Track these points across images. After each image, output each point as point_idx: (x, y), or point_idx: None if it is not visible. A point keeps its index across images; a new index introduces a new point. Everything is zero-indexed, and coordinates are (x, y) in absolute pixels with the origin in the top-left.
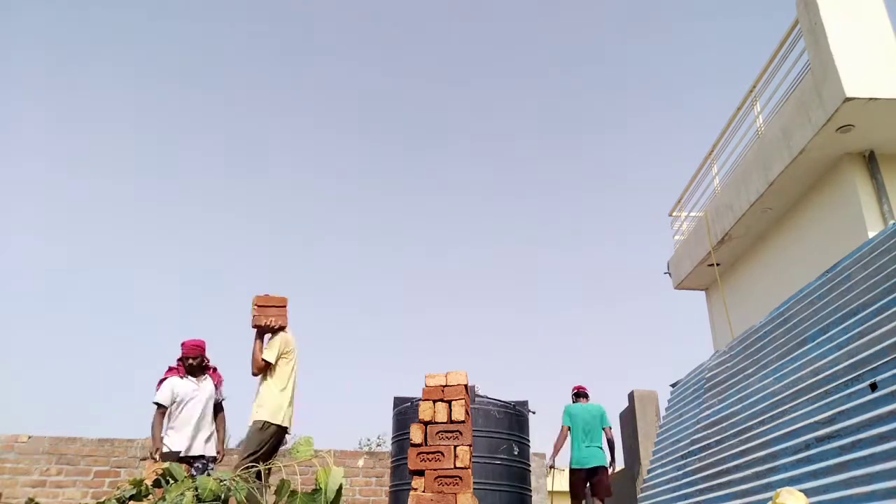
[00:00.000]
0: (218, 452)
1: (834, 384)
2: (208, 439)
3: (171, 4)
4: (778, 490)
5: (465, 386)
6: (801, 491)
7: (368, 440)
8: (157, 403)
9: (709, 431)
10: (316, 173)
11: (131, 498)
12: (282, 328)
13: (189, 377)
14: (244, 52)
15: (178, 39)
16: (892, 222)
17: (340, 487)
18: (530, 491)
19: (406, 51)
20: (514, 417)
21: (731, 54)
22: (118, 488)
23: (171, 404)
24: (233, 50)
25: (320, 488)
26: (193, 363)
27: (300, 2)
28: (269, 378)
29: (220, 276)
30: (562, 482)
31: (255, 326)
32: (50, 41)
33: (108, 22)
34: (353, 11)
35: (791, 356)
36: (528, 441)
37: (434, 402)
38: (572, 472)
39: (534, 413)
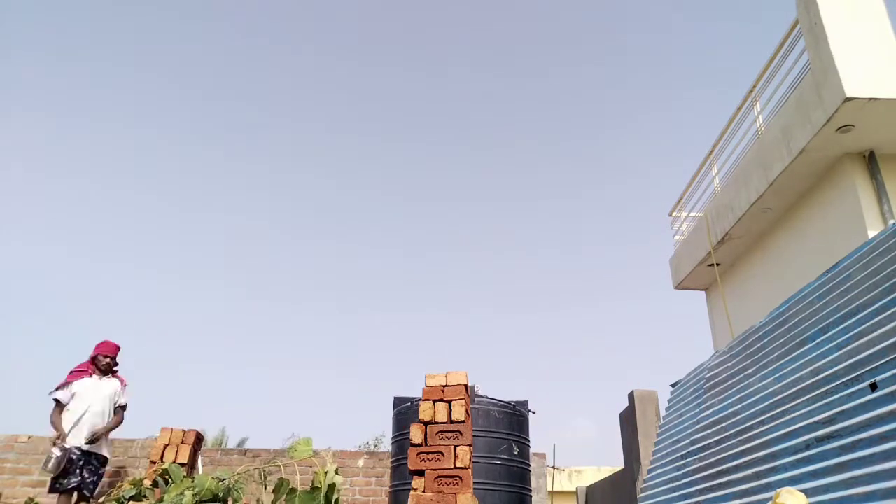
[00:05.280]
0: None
1: (834, 384)
2: (106, 440)
3: (179, 5)
4: (778, 490)
5: (465, 386)
6: (801, 491)
7: (368, 443)
8: (55, 400)
9: (709, 431)
10: (317, 173)
11: (131, 498)
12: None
13: (94, 375)
14: (253, 52)
15: (189, 41)
16: (892, 222)
17: (333, 485)
18: (530, 491)
19: (407, 49)
20: (514, 417)
21: (731, 54)
22: (118, 488)
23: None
24: (237, 50)
25: (318, 487)
26: (106, 362)
27: (307, 3)
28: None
29: (218, 275)
30: (562, 482)
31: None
32: (49, 42)
33: (106, 21)
34: (353, 11)
35: (791, 356)
36: (528, 441)
37: (434, 402)
38: None
39: (534, 413)
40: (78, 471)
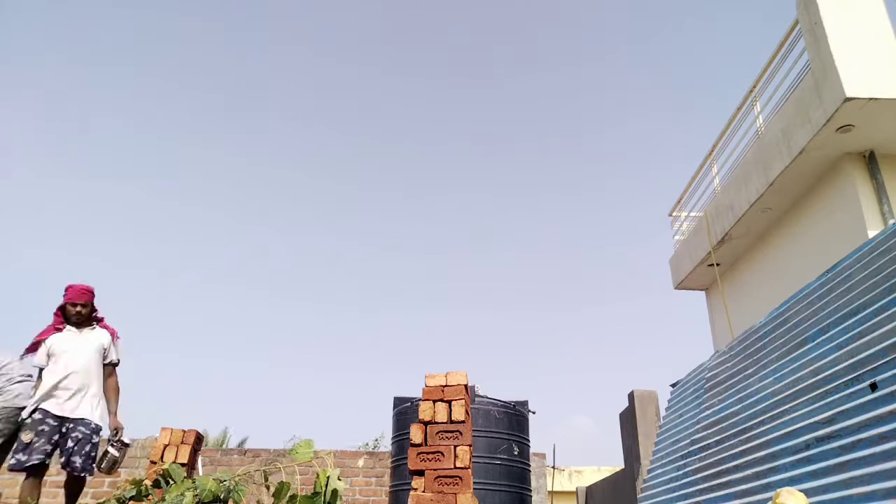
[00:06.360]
0: (115, 429)
1: (834, 384)
2: (96, 403)
3: (179, 6)
4: (778, 490)
5: (465, 386)
6: (801, 491)
7: (367, 444)
8: (38, 367)
9: (709, 431)
10: (314, 172)
11: (131, 498)
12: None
13: (70, 328)
14: (246, 52)
15: (182, 40)
16: (892, 222)
17: (336, 491)
18: (530, 491)
19: (405, 50)
20: (514, 417)
21: (731, 54)
22: (118, 488)
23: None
24: (233, 51)
25: (319, 491)
26: (81, 311)
27: (299, 3)
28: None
29: (218, 277)
30: (562, 482)
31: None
32: (51, 44)
33: (106, 20)
34: (350, 11)
35: (791, 356)
36: (528, 441)
37: (434, 402)
38: None
39: (534, 413)
40: (48, 443)
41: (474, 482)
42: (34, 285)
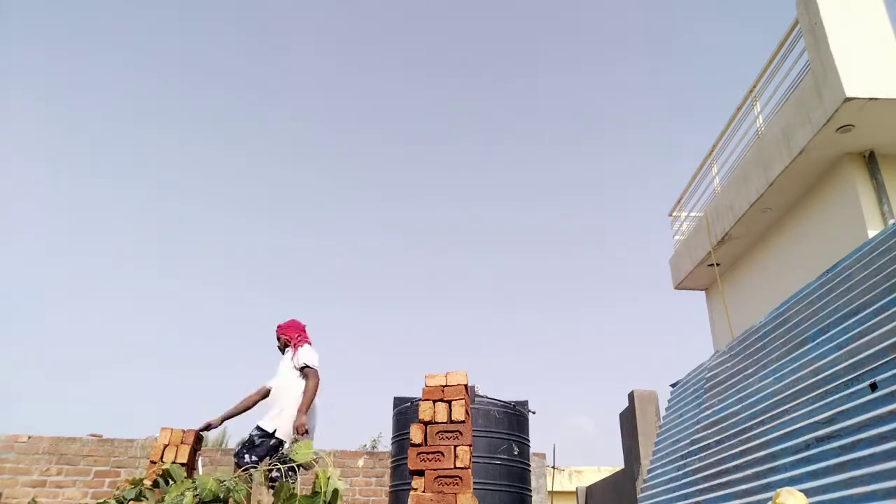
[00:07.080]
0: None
1: (834, 384)
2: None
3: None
4: (778, 490)
5: (465, 386)
6: (801, 491)
7: (365, 445)
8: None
9: (709, 431)
10: (315, 173)
11: (132, 498)
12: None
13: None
14: (243, 50)
15: (187, 39)
16: (892, 222)
17: (337, 491)
18: (530, 491)
19: (403, 50)
20: (514, 417)
21: (731, 54)
22: (118, 488)
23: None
24: (234, 52)
25: (319, 490)
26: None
27: (300, 3)
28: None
29: (218, 277)
30: (562, 482)
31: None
32: (50, 38)
33: (109, 22)
34: (349, 10)
35: (791, 356)
36: (528, 441)
37: (434, 402)
38: None
39: (534, 413)
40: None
41: (474, 482)
42: (35, 282)
